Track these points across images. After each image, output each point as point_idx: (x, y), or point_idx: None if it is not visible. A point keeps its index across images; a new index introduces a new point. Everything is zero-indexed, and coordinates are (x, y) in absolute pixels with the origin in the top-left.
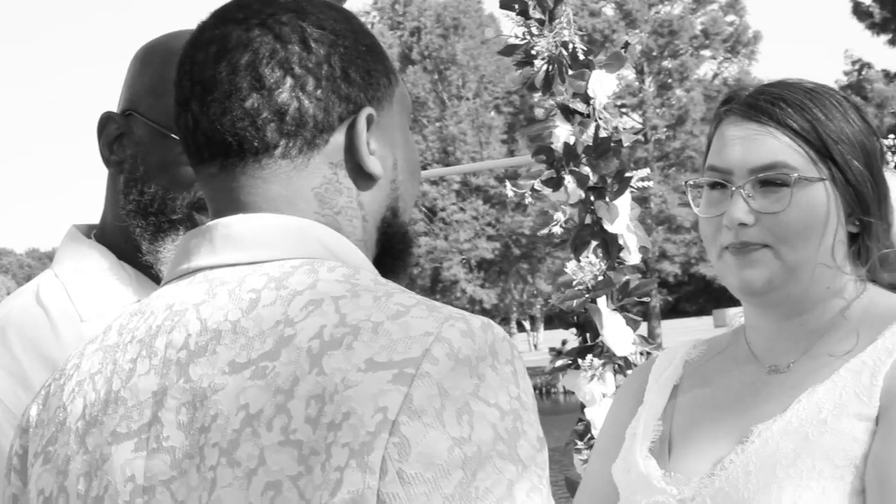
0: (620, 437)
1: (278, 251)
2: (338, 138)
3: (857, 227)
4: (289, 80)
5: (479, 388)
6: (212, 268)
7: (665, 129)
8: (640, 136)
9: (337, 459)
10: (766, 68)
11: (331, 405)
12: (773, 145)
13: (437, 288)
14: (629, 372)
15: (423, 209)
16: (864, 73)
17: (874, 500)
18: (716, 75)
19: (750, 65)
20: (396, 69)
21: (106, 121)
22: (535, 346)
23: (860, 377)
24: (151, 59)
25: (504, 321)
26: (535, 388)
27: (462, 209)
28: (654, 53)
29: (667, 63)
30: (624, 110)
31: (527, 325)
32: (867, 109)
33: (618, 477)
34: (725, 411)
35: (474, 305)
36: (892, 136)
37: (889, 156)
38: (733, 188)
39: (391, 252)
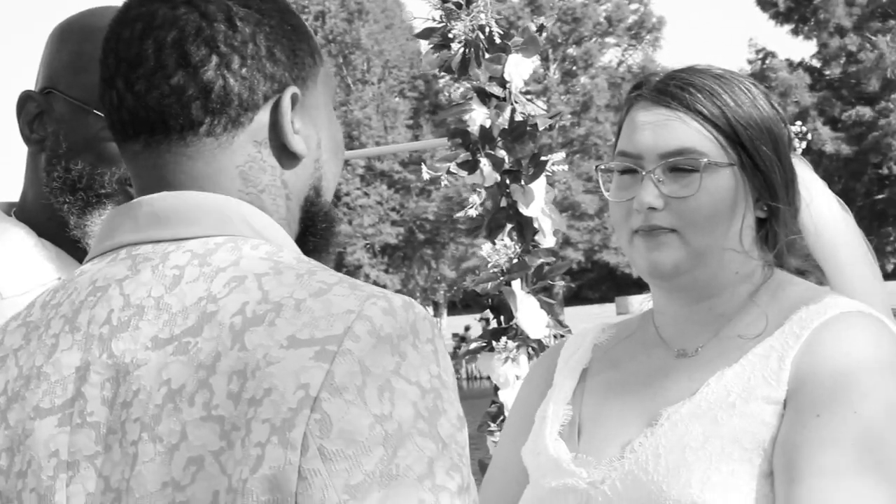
0: (530, 419)
1: (202, 228)
2: (262, 117)
3: (764, 213)
4: (214, 58)
5: (401, 366)
6: (136, 244)
7: (570, 116)
8: (554, 121)
9: (257, 435)
10: (670, 55)
11: (252, 381)
12: (683, 131)
13: (341, 273)
14: None
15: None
16: (767, 61)
17: (781, 482)
18: (620, 62)
19: (654, 52)
20: (320, 49)
21: (25, 100)
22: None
23: (768, 361)
24: (69, 36)
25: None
26: None
27: (366, 194)
28: (559, 41)
29: (571, 50)
30: (529, 97)
31: (430, 310)
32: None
33: (527, 459)
34: (634, 395)
35: None
36: (798, 122)
37: (796, 142)
38: (643, 173)
39: (314, 231)
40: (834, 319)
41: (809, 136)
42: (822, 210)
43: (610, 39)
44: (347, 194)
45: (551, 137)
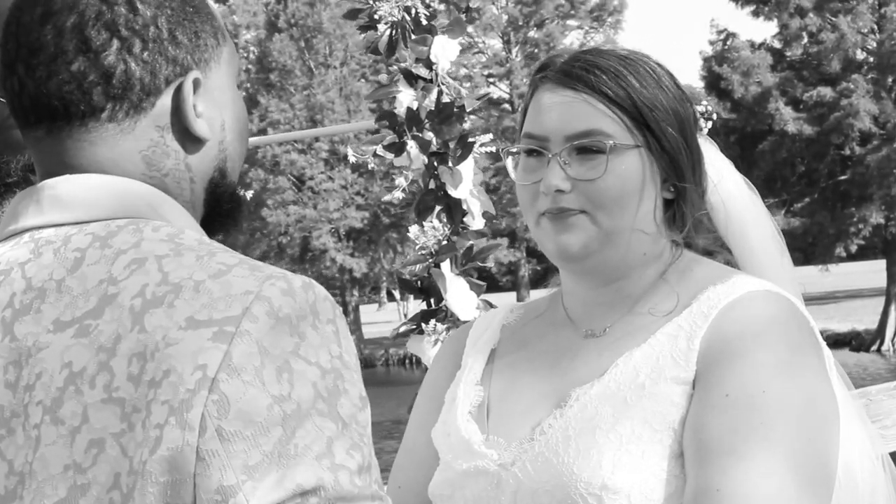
0: (439, 401)
1: (104, 211)
2: (164, 101)
3: (672, 194)
4: (115, 43)
5: (300, 347)
6: (39, 228)
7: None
8: (481, 103)
9: (156, 417)
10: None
11: (152, 363)
12: (589, 112)
13: (307, 257)
14: None
15: (292, 178)
16: (729, 42)
17: (691, 463)
18: (582, 45)
19: (616, 34)
20: (224, 28)
21: None
22: (406, 315)
23: (677, 341)
24: None
25: (374, 290)
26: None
27: (331, 178)
28: (520, 23)
29: (533, 33)
30: (491, 79)
31: (396, 294)
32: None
33: (438, 441)
34: (543, 375)
35: (343, 274)
36: (704, 102)
37: (702, 122)
38: (550, 155)
39: (220, 211)
40: (741, 299)
41: (714, 116)
42: (730, 190)
43: (572, 22)
44: (312, 178)
45: (514, 120)
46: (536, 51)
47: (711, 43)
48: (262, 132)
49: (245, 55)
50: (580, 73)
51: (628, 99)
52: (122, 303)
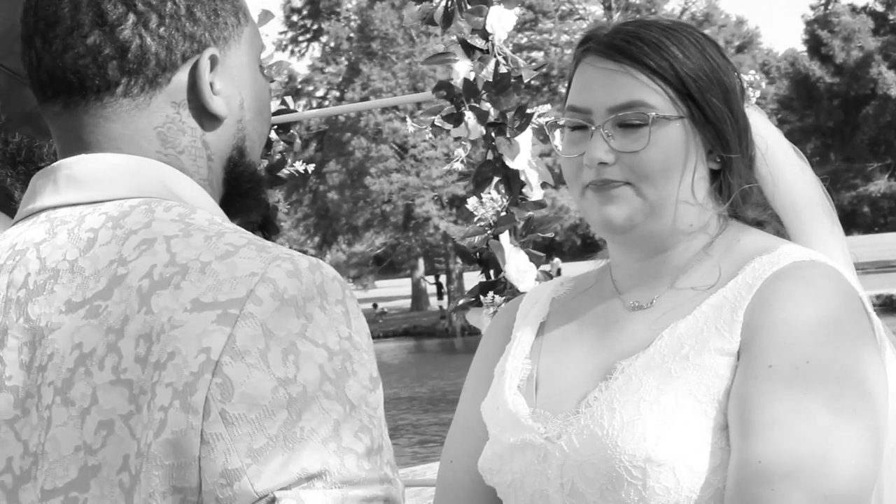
0: (489, 375)
1: (118, 190)
2: (181, 77)
3: (718, 165)
4: (131, 17)
5: (307, 329)
6: (55, 207)
7: None
8: (539, 72)
9: (161, 399)
10: (732, 2)
11: (157, 345)
12: (631, 84)
13: (410, 225)
14: None
15: (395, 146)
16: (830, 6)
17: (735, 434)
18: (684, 10)
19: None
20: (247, 8)
21: None
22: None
23: (721, 312)
24: (3, 3)
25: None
26: None
27: (433, 146)
28: None
29: None
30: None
31: None
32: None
33: (487, 415)
34: (590, 348)
35: (447, 242)
36: (752, 72)
37: (750, 91)
38: (593, 128)
39: (240, 191)
40: (787, 269)
41: (763, 85)
42: (777, 158)
43: None
44: (414, 146)
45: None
46: (638, 16)
47: (813, 8)
48: (365, 100)
49: (347, 24)
50: (622, 44)
51: (671, 69)
52: (131, 284)
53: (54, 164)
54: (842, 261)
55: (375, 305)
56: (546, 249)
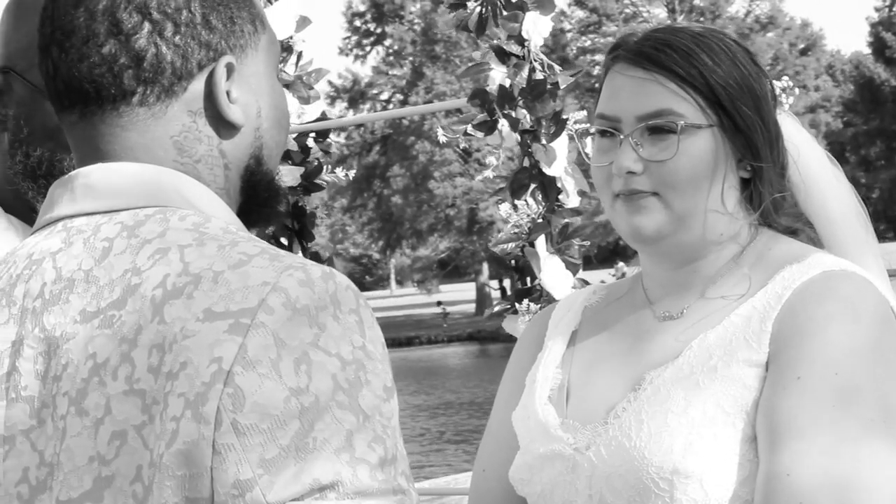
0: (521, 384)
1: (134, 199)
2: (197, 86)
3: (749, 173)
4: (147, 26)
5: (320, 338)
6: (71, 217)
7: None
8: (576, 78)
9: (173, 409)
10: (797, 4)
11: (170, 354)
12: (660, 92)
13: (474, 229)
14: None
15: (458, 150)
16: (895, 8)
17: (763, 446)
18: (748, 13)
19: (781, 1)
20: (264, 15)
21: None
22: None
23: (750, 322)
24: (25, 13)
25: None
26: None
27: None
28: None
29: (698, 1)
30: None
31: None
32: None
33: (517, 425)
34: (620, 358)
35: None
36: (785, 77)
37: (783, 98)
38: (622, 136)
39: (256, 200)
40: (816, 278)
41: (796, 92)
42: (810, 166)
43: None
44: (478, 150)
45: None
46: (702, 19)
47: (877, 10)
48: (429, 104)
49: (411, 27)
50: (651, 52)
51: (700, 77)
52: (145, 293)
53: (72, 173)
54: (875, 270)
55: (440, 303)
56: (611, 254)
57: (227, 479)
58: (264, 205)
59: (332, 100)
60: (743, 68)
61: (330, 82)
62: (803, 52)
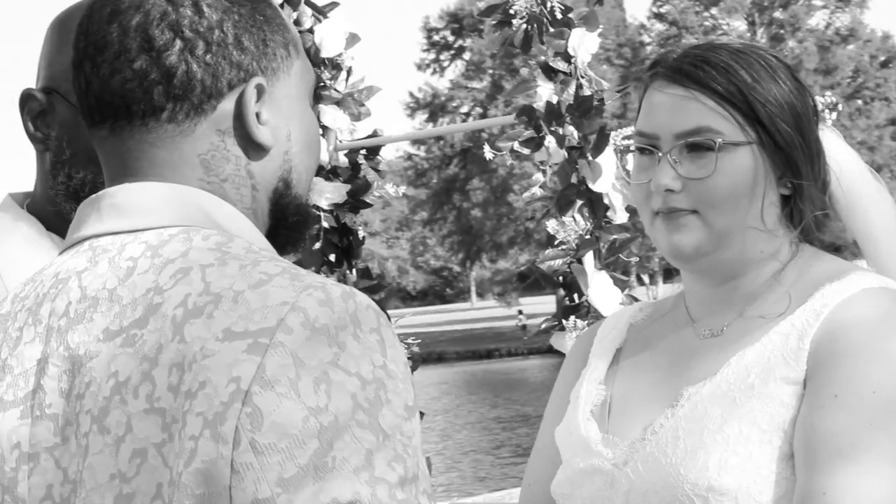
0: (566, 400)
1: (159, 219)
2: (226, 105)
3: (789, 190)
4: (178, 43)
5: (339, 358)
6: (98, 236)
7: None
8: (623, 94)
9: (191, 428)
10: (878, 16)
11: (189, 373)
12: (698, 110)
13: (555, 242)
14: None
15: (537, 163)
16: None
17: (801, 465)
18: (828, 25)
19: (862, 13)
20: (299, 41)
21: (27, 98)
22: (654, 298)
23: (788, 340)
24: (69, 35)
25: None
26: None
27: None
28: (765, 4)
29: (778, 14)
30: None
31: (646, 279)
32: None
33: (560, 440)
34: (662, 375)
35: None
36: (828, 93)
37: (826, 113)
38: (660, 154)
39: (285, 224)
40: (855, 296)
41: (840, 107)
42: (852, 182)
43: (817, 2)
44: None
45: None
46: (781, 31)
47: None
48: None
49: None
50: (689, 69)
51: (739, 94)
52: (166, 312)
53: (100, 192)
54: None
55: (521, 312)
56: (667, 271)
57: (245, 498)
58: (293, 228)
59: (413, 111)
60: (783, 84)
61: (411, 94)
62: (884, 65)
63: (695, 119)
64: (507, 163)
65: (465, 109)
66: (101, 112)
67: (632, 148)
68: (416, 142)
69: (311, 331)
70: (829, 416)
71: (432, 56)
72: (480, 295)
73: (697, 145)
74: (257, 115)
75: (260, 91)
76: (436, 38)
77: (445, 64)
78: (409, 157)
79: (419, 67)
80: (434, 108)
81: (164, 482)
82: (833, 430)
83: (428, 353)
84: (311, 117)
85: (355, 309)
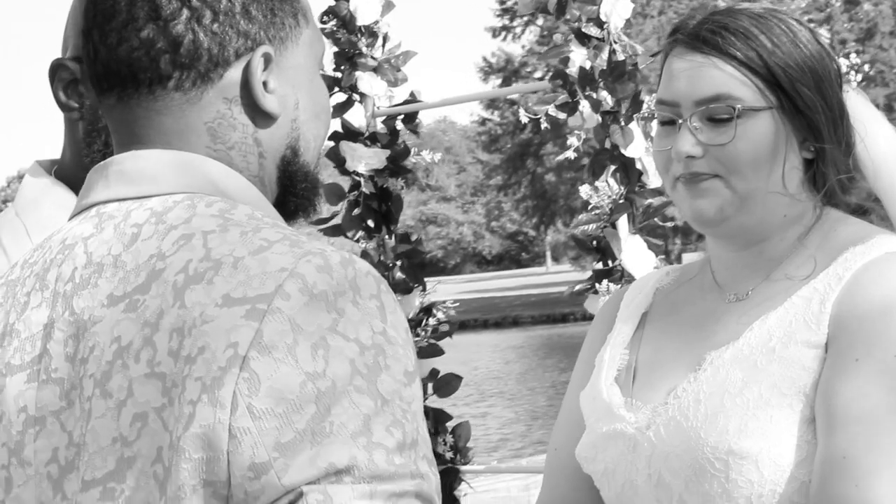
0: (591, 364)
1: (164, 186)
2: (233, 74)
3: (812, 154)
4: (185, 12)
5: (338, 323)
6: (104, 202)
7: (854, 44)
8: (654, 59)
9: (190, 393)
10: None
11: (189, 339)
12: (717, 76)
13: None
14: None
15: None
16: None
17: (822, 429)
18: None
19: None
20: (309, 10)
21: (56, 68)
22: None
23: (811, 304)
24: None
25: (700, 238)
26: None
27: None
28: None
29: None
30: (812, 25)
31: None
32: None
33: (584, 404)
34: (687, 340)
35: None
36: (853, 54)
37: (851, 75)
38: (680, 121)
39: (293, 191)
40: (877, 260)
41: (865, 68)
42: (877, 143)
43: None
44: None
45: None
46: None
47: None
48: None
49: None
50: (708, 35)
51: (759, 60)
52: (167, 278)
53: (108, 160)
54: None
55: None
56: None
57: (243, 463)
58: (302, 195)
59: (486, 76)
60: (804, 48)
61: (484, 58)
62: None
63: (714, 86)
64: (543, 126)
65: (538, 75)
66: (109, 80)
67: (643, 116)
68: (490, 107)
69: (309, 297)
70: (850, 380)
71: (505, 22)
72: (556, 259)
73: (717, 112)
74: (264, 84)
75: (267, 60)
76: (510, 3)
77: (518, 30)
78: (483, 121)
79: (493, 34)
80: (507, 73)
81: (164, 446)
82: (854, 394)
83: (503, 318)
84: (321, 85)
85: (354, 275)
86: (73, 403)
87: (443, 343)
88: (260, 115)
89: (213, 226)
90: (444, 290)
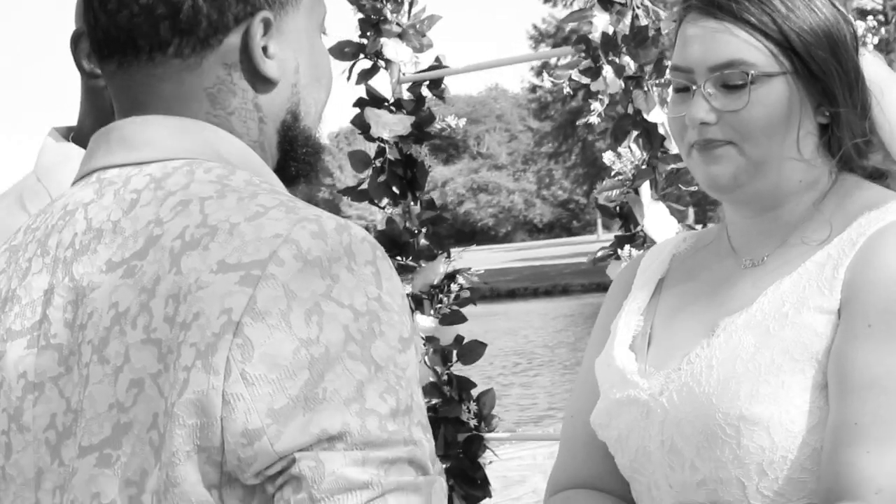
0: (608, 330)
1: (164, 151)
2: (233, 39)
3: (827, 119)
4: None
5: (332, 290)
6: (105, 168)
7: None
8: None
9: (185, 359)
10: None
11: (184, 305)
12: (731, 42)
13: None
14: None
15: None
16: None
17: (834, 395)
18: None
19: None
20: None
21: (79, 37)
22: None
23: (824, 269)
24: None
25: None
26: None
27: None
28: None
29: None
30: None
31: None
32: None
33: (599, 371)
34: (702, 306)
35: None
36: (870, 17)
37: (868, 37)
38: (694, 88)
39: (294, 156)
40: (892, 225)
41: (883, 31)
42: (894, 106)
43: None
44: None
45: (888, 31)
46: None
47: None
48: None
49: None
50: (722, 1)
51: (773, 24)
52: (165, 244)
53: (109, 125)
54: None
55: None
56: None
57: (236, 429)
58: (302, 160)
59: (536, 43)
60: (819, 13)
61: (535, 26)
62: None
63: (727, 52)
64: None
65: None
66: (109, 47)
67: (657, 81)
68: (539, 74)
69: (303, 263)
70: (862, 346)
71: None
72: (606, 227)
73: (731, 77)
74: (264, 49)
75: (266, 25)
76: None
77: None
78: (534, 88)
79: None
80: (557, 40)
81: (159, 412)
82: (866, 360)
83: (553, 286)
84: (322, 50)
85: (350, 241)
86: (71, 369)
87: (494, 312)
88: (260, 81)
89: (210, 192)
90: (496, 258)
